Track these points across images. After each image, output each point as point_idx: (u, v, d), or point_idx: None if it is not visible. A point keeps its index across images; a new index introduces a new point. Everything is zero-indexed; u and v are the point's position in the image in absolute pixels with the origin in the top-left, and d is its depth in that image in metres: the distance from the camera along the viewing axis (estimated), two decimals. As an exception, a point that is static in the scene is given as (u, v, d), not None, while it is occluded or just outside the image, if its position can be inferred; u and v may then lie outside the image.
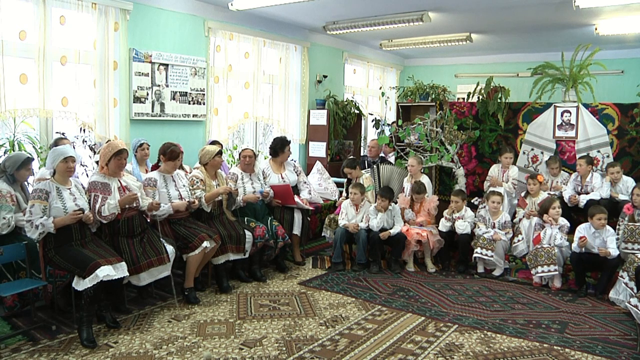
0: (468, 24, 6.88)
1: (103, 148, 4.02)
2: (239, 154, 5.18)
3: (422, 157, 6.07)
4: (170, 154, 4.40)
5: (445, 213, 5.50)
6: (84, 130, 5.05)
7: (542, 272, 4.83)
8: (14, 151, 4.49)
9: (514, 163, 6.16)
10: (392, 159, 7.06)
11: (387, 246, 5.58)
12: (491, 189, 5.74)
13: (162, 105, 5.60)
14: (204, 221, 4.63)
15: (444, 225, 5.46)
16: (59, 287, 3.93)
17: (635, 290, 4.11)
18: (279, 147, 5.53)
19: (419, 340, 3.69)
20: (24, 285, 3.74)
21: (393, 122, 7.72)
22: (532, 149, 6.38)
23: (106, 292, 3.77)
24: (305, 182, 5.77)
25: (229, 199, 4.82)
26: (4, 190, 3.84)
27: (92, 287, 3.44)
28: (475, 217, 5.48)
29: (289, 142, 5.64)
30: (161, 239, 4.13)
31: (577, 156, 5.99)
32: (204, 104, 6.05)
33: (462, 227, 5.33)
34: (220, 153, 4.81)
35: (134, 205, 3.97)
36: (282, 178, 5.49)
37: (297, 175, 5.67)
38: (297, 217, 5.44)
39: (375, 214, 5.35)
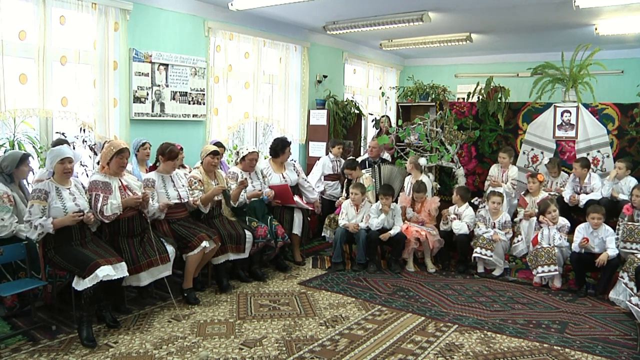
0: (468, 24, 6.88)
1: (105, 147, 4.03)
2: (243, 156, 5.12)
3: (424, 158, 6.06)
4: (170, 154, 4.39)
5: (445, 212, 5.50)
6: (84, 130, 5.04)
7: (543, 272, 4.83)
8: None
9: (514, 163, 6.16)
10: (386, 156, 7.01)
11: (387, 246, 5.59)
12: (491, 189, 5.75)
13: (162, 105, 5.59)
14: (203, 221, 4.63)
15: (444, 225, 5.47)
16: (59, 288, 3.93)
17: (635, 291, 4.11)
18: (280, 148, 5.53)
19: (419, 340, 3.69)
20: (24, 285, 3.74)
21: (382, 117, 7.61)
22: (532, 149, 6.38)
23: (106, 292, 3.77)
24: (305, 180, 5.79)
25: (225, 197, 4.78)
26: (0, 191, 3.83)
27: (92, 287, 3.44)
28: (475, 217, 5.48)
29: (290, 143, 5.64)
30: (161, 239, 4.13)
31: (577, 157, 6.00)
32: (204, 104, 6.05)
33: (458, 227, 5.33)
34: (213, 154, 4.74)
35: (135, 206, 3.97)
36: (284, 177, 5.49)
37: (297, 175, 5.68)
38: (297, 217, 5.44)
39: (377, 214, 5.35)
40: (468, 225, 5.36)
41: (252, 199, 5.08)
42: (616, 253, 4.60)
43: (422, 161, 5.96)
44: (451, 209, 5.60)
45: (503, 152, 6.00)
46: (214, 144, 5.33)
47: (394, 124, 7.44)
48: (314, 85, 7.90)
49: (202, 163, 4.81)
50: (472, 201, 5.76)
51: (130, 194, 3.97)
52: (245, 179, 4.93)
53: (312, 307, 4.30)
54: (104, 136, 5.07)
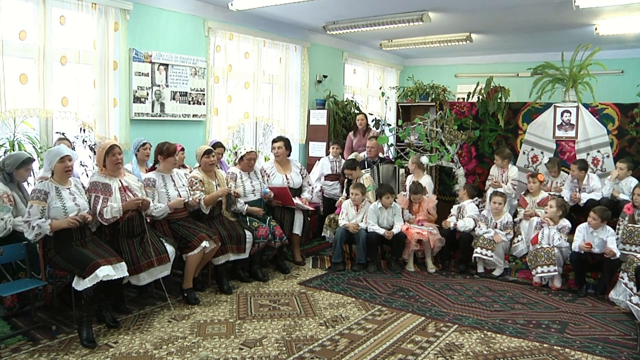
0: (468, 24, 6.88)
1: (97, 151, 4.03)
2: (242, 156, 5.13)
3: (424, 157, 6.07)
4: (167, 151, 4.41)
5: (445, 223, 5.51)
6: (84, 130, 5.04)
7: (542, 272, 4.83)
8: (14, 151, 4.49)
9: (514, 163, 6.17)
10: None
11: (387, 246, 5.59)
12: (492, 189, 5.76)
13: (162, 105, 5.59)
14: (204, 221, 4.63)
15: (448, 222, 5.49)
16: (59, 288, 3.93)
17: (635, 290, 4.11)
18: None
19: (419, 340, 3.69)
20: (24, 285, 3.74)
21: (359, 114, 7.42)
22: (532, 149, 6.39)
23: (106, 292, 3.77)
24: (308, 184, 5.80)
25: (228, 200, 4.82)
26: (0, 191, 3.83)
27: (92, 287, 3.44)
28: (477, 211, 5.50)
29: (277, 139, 5.64)
30: (161, 239, 4.13)
31: (576, 157, 6.00)
32: (204, 104, 6.05)
33: (463, 226, 5.34)
34: (207, 153, 4.75)
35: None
36: (287, 179, 5.49)
37: (302, 179, 5.68)
38: (298, 217, 5.44)
39: (375, 217, 5.34)
40: (473, 218, 5.39)
41: (252, 199, 5.08)
42: (619, 253, 4.59)
43: (424, 159, 5.96)
44: (454, 208, 5.62)
45: (496, 154, 6.05)
46: (213, 145, 5.34)
47: (393, 124, 7.43)
48: (314, 85, 7.90)
49: (199, 165, 4.81)
50: (472, 201, 5.76)
51: (131, 195, 3.98)
52: (238, 191, 4.93)
53: (312, 307, 4.30)
54: (104, 136, 5.06)
